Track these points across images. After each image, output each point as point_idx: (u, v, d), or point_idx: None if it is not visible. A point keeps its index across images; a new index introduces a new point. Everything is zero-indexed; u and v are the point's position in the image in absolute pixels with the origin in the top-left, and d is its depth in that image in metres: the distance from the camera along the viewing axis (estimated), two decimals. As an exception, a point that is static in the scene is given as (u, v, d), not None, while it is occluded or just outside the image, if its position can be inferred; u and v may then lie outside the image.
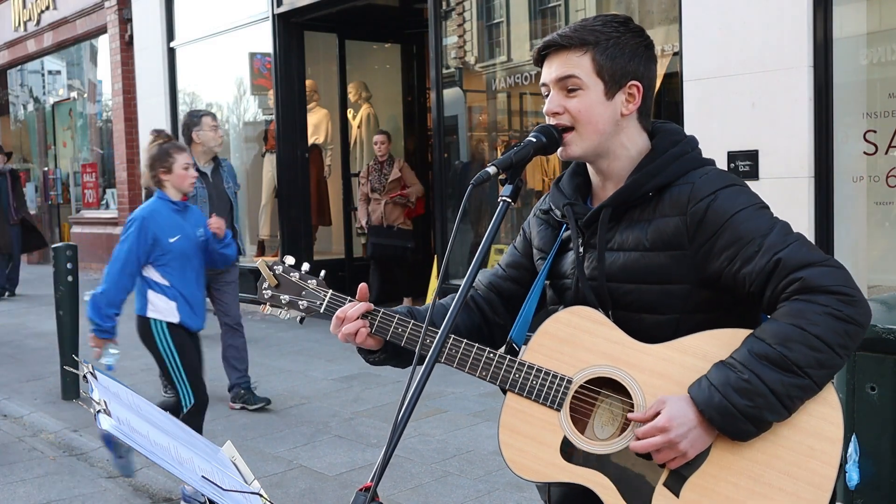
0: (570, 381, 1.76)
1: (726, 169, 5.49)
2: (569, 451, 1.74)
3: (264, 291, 2.00)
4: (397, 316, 1.89)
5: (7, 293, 11.93)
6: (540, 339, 1.81)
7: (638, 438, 1.68)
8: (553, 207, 1.95)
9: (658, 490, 1.70)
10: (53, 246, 6.98)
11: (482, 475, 4.79)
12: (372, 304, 1.91)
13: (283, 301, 1.99)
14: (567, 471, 1.74)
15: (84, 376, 1.58)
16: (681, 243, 1.75)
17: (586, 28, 1.81)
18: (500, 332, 2.01)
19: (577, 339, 1.78)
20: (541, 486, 1.95)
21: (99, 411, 1.45)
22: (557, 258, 1.95)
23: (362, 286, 1.94)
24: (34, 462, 5.36)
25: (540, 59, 1.87)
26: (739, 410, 1.64)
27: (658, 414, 1.68)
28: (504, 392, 1.83)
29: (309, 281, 1.98)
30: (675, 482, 1.69)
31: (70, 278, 6.68)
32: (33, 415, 6.29)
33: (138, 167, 12.35)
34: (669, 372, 1.72)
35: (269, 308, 2.01)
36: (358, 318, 1.89)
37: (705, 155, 1.88)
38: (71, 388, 6.59)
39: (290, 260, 2.02)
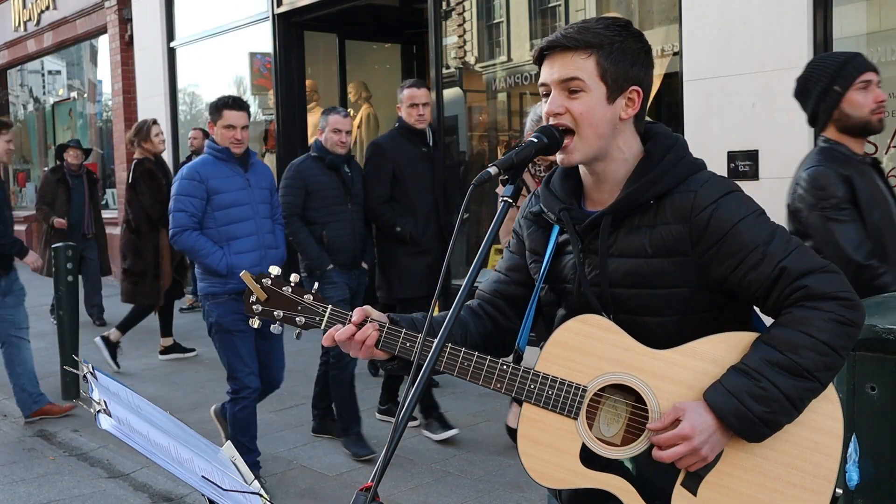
0: (584, 390, 1.79)
1: (726, 169, 5.53)
2: (588, 458, 1.78)
3: (253, 306, 1.94)
4: (403, 332, 1.87)
5: (97, 321, 9.61)
6: (552, 349, 1.83)
7: (660, 446, 1.72)
8: (545, 210, 1.95)
9: (676, 490, 1.75)
10: (53, 246, 6.97)
11: (482, 475, 4.79)
12: (377, 325, 1.86)
13: (276, 316, 1.93)
14: (587, 476, 1.78)
15: (84, 376, 1.58)
16: (684, 250, 1.78)
17: (590, 30, 1.81)
18: (512, 337, 2.02)
19: (589, 347, 1.80)
20: None
21: (99, 411, 1.45)
22: (554, 261, 1.95)
23: (358, 312, 1.88)
24: (34, 462, 5.36)
25: (540, 58, 1.87)
26: (757, 416, 1.70)
27: (676, 421, 1.72)
28: (519, 403, 1.84)
29: (305, 296, 1.93)
30: (693, 482, 1.75)
31: (70, 278, 6.69)
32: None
33: (138, 167, 12.36)
34: (681, 377, 1.76)
35: (259, 322, 1.95)
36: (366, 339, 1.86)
37: (706, 155, 1.92)
38: (71, 388, 6.60)
39: (275, 271, 1.95)
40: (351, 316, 1.88)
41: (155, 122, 7.78)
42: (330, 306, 1.92)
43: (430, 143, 5.51)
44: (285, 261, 4.91)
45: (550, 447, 1.80)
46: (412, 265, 5.34)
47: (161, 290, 7.57)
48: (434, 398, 5.48)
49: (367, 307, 1.92)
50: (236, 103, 4.75)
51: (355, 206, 5.36)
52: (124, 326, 7.63)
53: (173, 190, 4.70)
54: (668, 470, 1.75)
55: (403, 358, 1.88)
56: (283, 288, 1.93)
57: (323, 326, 1.91)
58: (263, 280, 1.94)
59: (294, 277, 1.95)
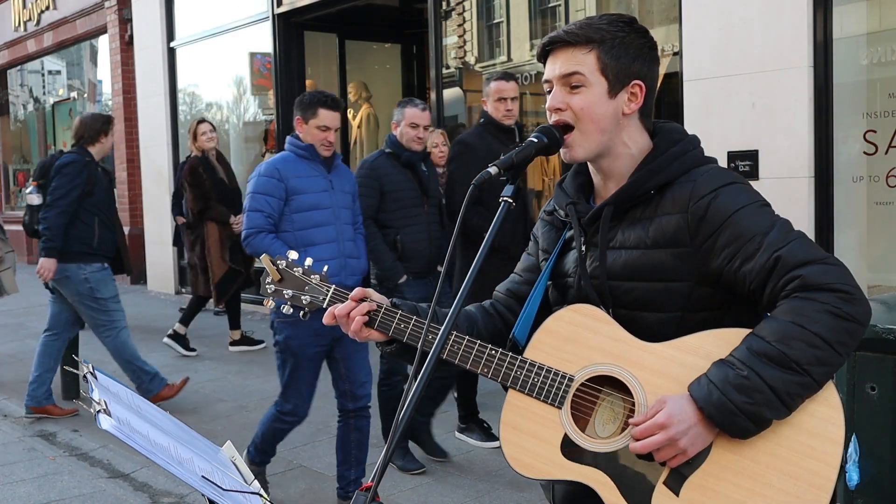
0: (571, 379, 1.77)
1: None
2: (569, 449, 1.75)
3: (267, 286, 2.03)
4: (399, 313, 1.90)
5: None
6: (542, 337, 1.82)
7: (636, 438, 1.68)
8: (556, 208, 1.97)
9: (658, 489, 1.69)
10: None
11: (482, 475, 4.79)
12: (375, 304, 1.91)
13: (286, 296, 2.01)
14: (567, 469, 1.74)
15: (84, 376, 1.58)
16: (682, 241, 1.75)
17: (592, 26, 1.82)
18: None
19: (580, 337, 1.78)
20: (545, 485, 1.96)
21: (99, 411, 1.45)
22: (560, 257, 1.95)
23: (358, 290, 1.94)
24: (34, 462, 5.36)
25: (544, 55, 1.88)
26: (738, 407, 1.63)
27: (657, 413, 1.68)
28: (505, 389, 1.83)
29: (312, 276, 2.00)
30: (676, 481, 1.69)
31: (70, 278, 6.68)
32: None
33: (138, 167, 12.37)
34: (671, 371, 1.72)
35: (272, 302, 2.03)
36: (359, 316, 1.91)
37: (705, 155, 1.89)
38: (71, 388, 6.59)
39: (293, 255, 2.03)
40: (349, 295, 1.93)
41: (202, 120, 8.10)
42: (333, 286, 1.99)
43: (519, 141, 4.95)
44: (367, 272, 4.48)
45: (532, 436, 1.77)
46: (502, 273, 4.95)
47: (210, 282, 7.80)
48: (476, 405, 5.36)
49: (369, 289, 1.96)
50: (334, 103, 4.29)
51: (431, 208, 4.96)
52: (232, 322, 8.19)
53: (249, 187, 4.27)
54: (651, 468, 1.70)
55: (399, 340, 1.90)
56: (295, 269, 2.02)
57: (325, 305, 1.97)
58: (279, 262, 2.03)
59: (308, 261, 2.02)
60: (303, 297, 2.00)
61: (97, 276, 6.04)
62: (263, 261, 2.02)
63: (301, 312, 2.02)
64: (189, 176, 7.72)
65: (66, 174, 5.89)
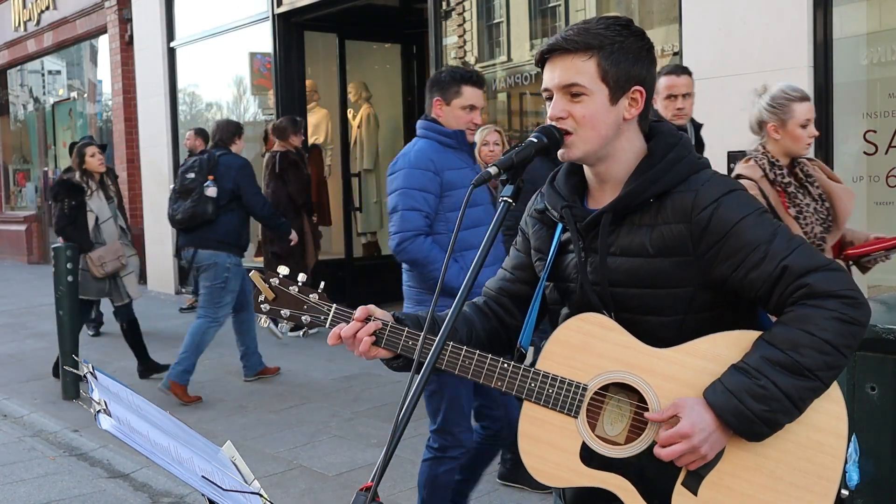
0: (585, 388, 1.79)
1: (726, 169, 5.52)
2: (588, 456, 1.78)
3: (262, 305, 1.96)
4: (406, 330, 1.88)
5: (98, 327, 9.10)
6: (553, 348, 1.83)
7: (661, 445, 1.72)
8: (549, 208, 1.95)
9: (677, 489, 1.74)
10: (53, 246, 6.97)
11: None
12: (381, 323, 1.88)
13: (283, 315, 1.95)
14: (588, 475, 1.78)
15: (84, 376, 1.58)
16: (685, 250, 1.78)
17: (590, 32, 1.81)
18: (518, 334, 2.02)
19: (590, 346, 1.81)
20: None
21: (99, 411, 1.45)
22: (557, 259, 1.95)
23: (361, 309, 1.90)
24: (34, 462, 5.36)
25: (542, 61, 1.87)
26: (756, 415, 1.69)
27: (674, 416, 1.72)
28: (520, 401, 1.84)
29: (310, 295, 1.95)
30: (693, 481, 1.74)
31: (70, 278, 6.69)
32: (33, 415, 6.30)
33: (138, 167, 12.37)
34: (682, 375, 1.76)
35: (268, 321, 1.99)
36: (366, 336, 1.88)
37: (707, 155, 1.90)
38: (71, 388, 6.60)
39: (283, 271, 1.97)
40: (353, 314, 1.90)
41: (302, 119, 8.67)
42: (334, 305, 1.94)
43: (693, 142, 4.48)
44: None
45: (551, 445, 1.80)
46: None
47: (307, 269, 8.04)
48: None
49: (371, 306, 1.92)
50: (479, 78, 3.65)
51: None
52: None
53: (397, 181, 3.59)
54: (669, 469, 1.74)
55: (407, 357, 1.89)
56: (290, 287, 1.96)
57: (328, 325, 1.93)
58: (272, 279, 1.96)
59: (301, 277, 1.97)
60: (302, 317, 1.94)
61: (235, 269, 6.53)
62: (253, 278, 1.95)
63: (302, 331, 1.99)
64: (295, 170, 8.04)
65: (246, 174, 6.67)
